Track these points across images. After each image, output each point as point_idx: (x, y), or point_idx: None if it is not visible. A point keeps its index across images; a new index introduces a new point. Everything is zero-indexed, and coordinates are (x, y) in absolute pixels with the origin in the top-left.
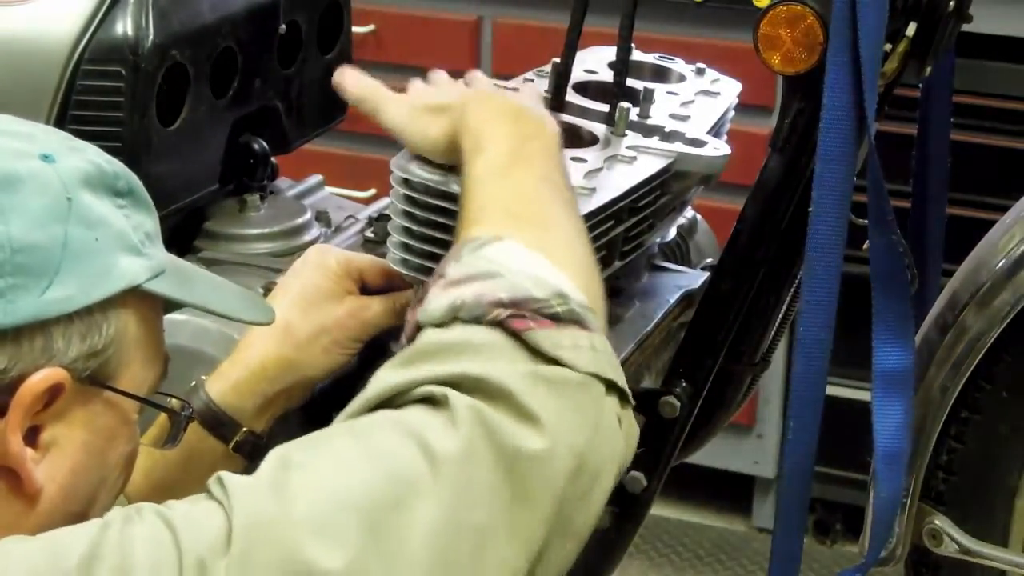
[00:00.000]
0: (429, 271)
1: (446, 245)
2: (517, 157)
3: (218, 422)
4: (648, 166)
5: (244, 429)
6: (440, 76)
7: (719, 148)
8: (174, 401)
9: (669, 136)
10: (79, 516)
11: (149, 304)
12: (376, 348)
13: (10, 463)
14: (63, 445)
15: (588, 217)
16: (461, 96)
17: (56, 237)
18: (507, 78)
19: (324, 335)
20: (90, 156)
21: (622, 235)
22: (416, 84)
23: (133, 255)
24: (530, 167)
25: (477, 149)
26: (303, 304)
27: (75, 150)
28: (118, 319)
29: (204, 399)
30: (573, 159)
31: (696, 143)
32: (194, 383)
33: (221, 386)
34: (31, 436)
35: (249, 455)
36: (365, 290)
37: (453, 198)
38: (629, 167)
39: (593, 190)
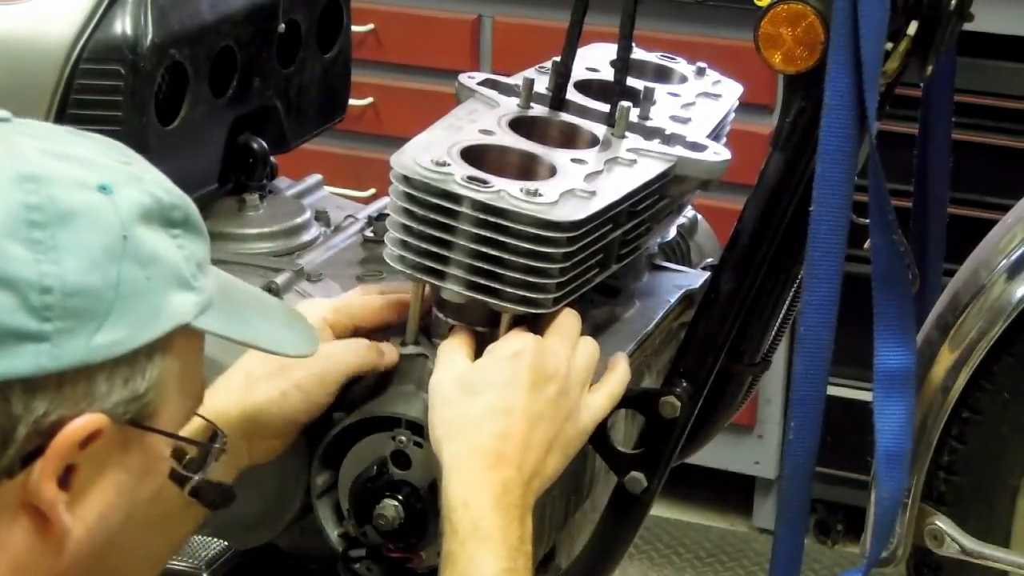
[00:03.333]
0: (426, 269)
1: (444, 243)
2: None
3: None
4: (648, 170)
5: (197, 478)
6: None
7: (719, 153)
8: (201, 426)
9: (669, 139)
10: (103, 554)
11: (194, 338)
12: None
13: (42, 506)
14: (96, 487)
15: (587, 221)
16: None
17: (109, 279)
18: (507, 77)
19: (284, 379)
20: (148, 186)
21: (620, 238)
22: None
23: (184, 290)
24: None
25: (482, 543)
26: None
27: (134, 179)
28: (163, 360)
29: None
30: (573, 160)
31: (696, 147)
32: None
33: None
34: (64, 477)
35: (211, 504)
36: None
37: (453, 196)
38: (629, 170)
39: (593, 193)
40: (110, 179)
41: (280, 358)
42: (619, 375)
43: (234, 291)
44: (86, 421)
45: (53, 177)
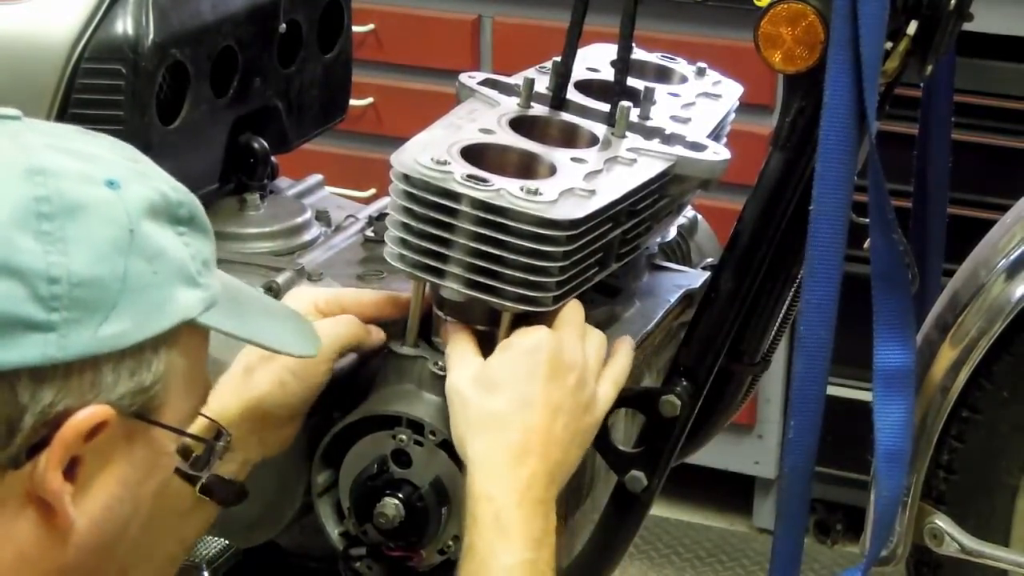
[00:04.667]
0: (426, 267)
1: (444, 242)
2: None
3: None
4: (647, 169)
5: (204, 475)
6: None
7: (719, 153)
8: (205, 425)
9: (669, 139)
10: (108, 547)
11: (199, 335)
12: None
13: (48, 498)
14: (101, 479)
15: (587, 220)
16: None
17: (116, 271)
18: (507, 77)
19: (278, 368)
20: (155, 183)
21: (619, 237)
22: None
23: (190, 287)
24: None
25: (503, 535)
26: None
27: (141, 175)
28: (168, 354)
29: None
30: (573, 160)
31: (696, 147)
32: None
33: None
34: (69, 468)
35: (223, 501)
36: None
37: (453, 195)
38: (628, 169)
39: (592, 192)
40: (117, 175)
41: None
42: (620, 360)
43: (238, 292)
44: (92, 412)
45: (61, 171)
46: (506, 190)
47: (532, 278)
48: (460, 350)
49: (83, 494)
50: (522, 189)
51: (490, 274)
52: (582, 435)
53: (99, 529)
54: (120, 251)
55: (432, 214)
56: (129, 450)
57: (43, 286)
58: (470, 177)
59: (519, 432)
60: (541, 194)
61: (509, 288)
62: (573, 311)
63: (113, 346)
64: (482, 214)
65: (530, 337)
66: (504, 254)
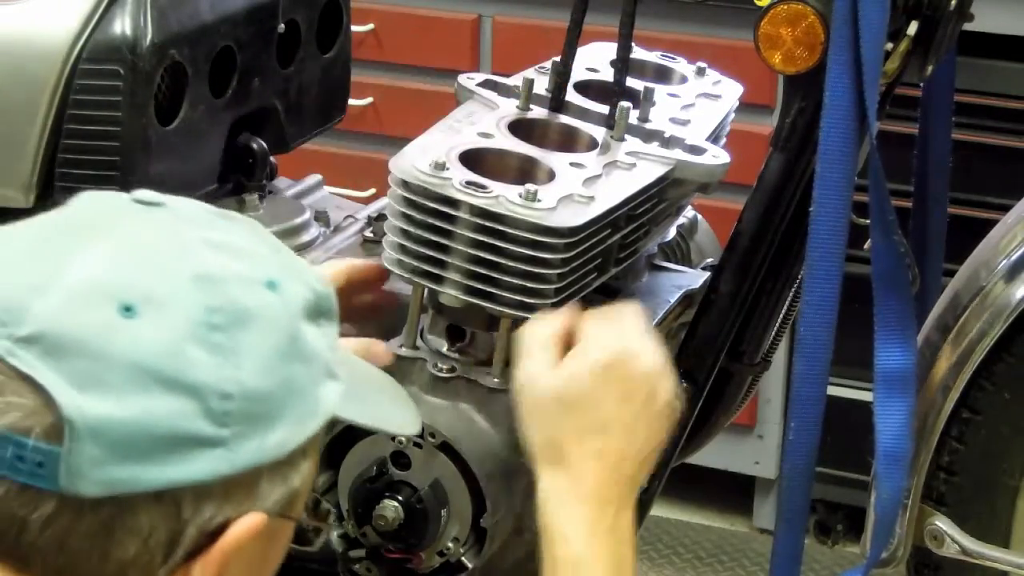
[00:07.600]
0: (424, 273)
1: (442, 248)
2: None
3: None
4: (646, 174)
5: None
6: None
7: (718, 156)
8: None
9: (668, 142)
10: None
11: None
12: None
13: None
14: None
15: (585, 227)
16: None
17: (283, 380)
18: (507, 77)
19: None
20: (306, 278)
21: (618, 242)
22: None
23: (330, 379)
24: None
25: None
26: None
27: (291, 270)
28: (312, 452)
29: None
30: (572, 164)
31: (695, 151)
32: None
33: None
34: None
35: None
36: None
37: (451, 202)
38: (627, 174)
39: (591, 198)
40: (274, 274)
41: None
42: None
43: (351, 367)
44: (250, 522)
45: (227, 276)
46: (505, 197)
47: (531, 285)
48: (535, 338)
49: None
50: (521, 196)
51: (489, 280)
52: (659, 441)
53: None
54: (284, 358)
55: (431, 220)
56: (267, 546)
57: (215, 401)
58: (469, 183)
59: (591, 460)
60: (540, 201)
61: (507, 295)
62: (635, 313)
63: (275, 456)
64: (481, 221)
65: (599, 355)
66: (503, 261)
